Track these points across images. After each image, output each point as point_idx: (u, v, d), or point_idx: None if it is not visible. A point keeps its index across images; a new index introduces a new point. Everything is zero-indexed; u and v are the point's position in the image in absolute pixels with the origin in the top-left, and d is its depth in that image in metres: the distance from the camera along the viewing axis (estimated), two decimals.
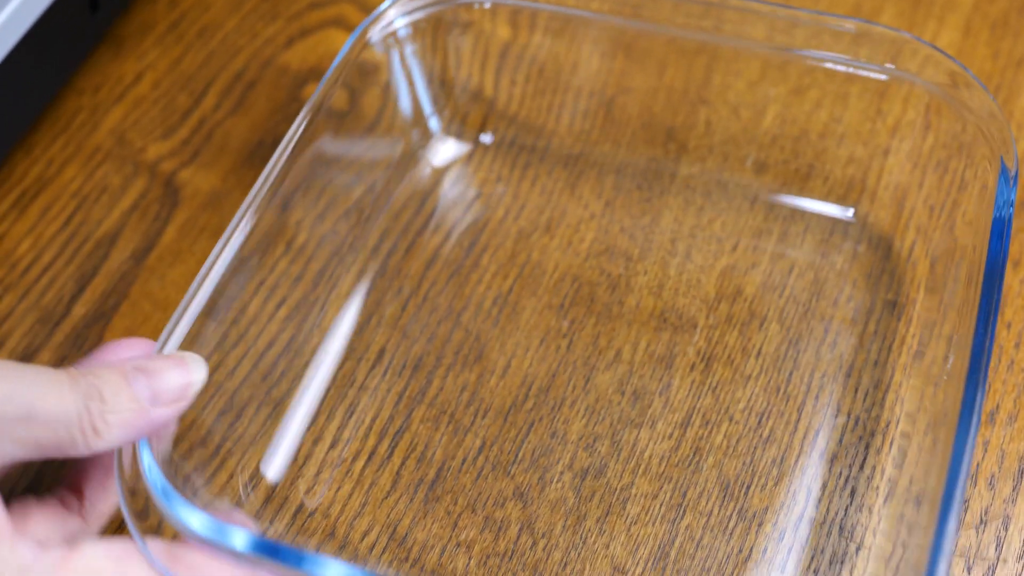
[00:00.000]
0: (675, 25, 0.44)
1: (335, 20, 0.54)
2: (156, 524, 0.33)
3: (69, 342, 0.44)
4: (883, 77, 0.43)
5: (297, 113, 0.45)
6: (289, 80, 0.52)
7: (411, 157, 0.47)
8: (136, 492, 0.33)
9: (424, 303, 0.44)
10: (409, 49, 0.46)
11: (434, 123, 0.48)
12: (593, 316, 0.43)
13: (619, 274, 0.44)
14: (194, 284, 0.37)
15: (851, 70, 0.44)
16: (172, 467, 0.35)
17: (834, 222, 0.45)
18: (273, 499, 0.39)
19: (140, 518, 0.33)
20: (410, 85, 0.47)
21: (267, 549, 0.32)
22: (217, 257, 0.38)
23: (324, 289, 0.44)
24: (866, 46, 0.43)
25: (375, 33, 0.44)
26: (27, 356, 0.44)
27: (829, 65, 0.44)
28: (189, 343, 0.37)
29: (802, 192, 0.46)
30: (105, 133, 0.50)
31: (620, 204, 0.46)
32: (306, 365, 0.42)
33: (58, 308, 0.45)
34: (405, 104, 0.47)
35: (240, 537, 0.32)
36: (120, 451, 0.34)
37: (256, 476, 0.40)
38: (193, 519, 0.32)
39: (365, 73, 0.45)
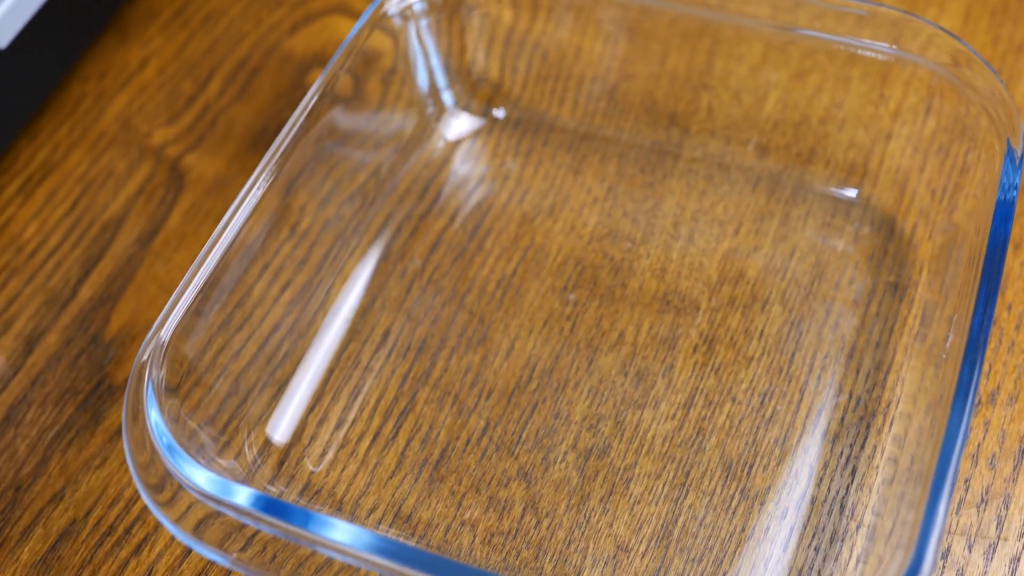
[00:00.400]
0: (680, 1, 0.44)
1: (339, 7, 0.54)
2: (162, 483, 0.34)
3: (75, 324, 0.44)
4: (885, 57, 0.43)
5: (301, 99, 0.45)
6: (293, 67, 0.52)
7: (424, 131, 0.48)
8: (145, 452, 0.34)
9: (428, 285, 0.44)
10: (424, 23, 0.46)
11: (448, 97, 0.48)
12: (596, 299, 0.43)
13: (622, 257, 0.44)
14: (193, 266, 0.38)
15: (853, 50, 0.44)
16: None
17: (836, 205, 0.45)
18: (279, 478, 0.40)
19: (147, 474, 0.34)
20: (425, 58, 0.47)
21: (271, 507, 0.33)
22: (217, 239, 0.38)
23: (328, 272, 0.44)
24: (869, 27, 0.43)
25: (391, 7, 0.44)
26: (34, 338, 0.44)
27: (831, 41, 0.44)
28: (191, 323, 0.37)
29: (804, 176, 0.46)
30: (110, 119, 0.51)
31: (623, 188, 0.46)
32: (310, 347, 0.43)
33: (64, 291, 0.45)
34: (421, 77, 0.47)
35: (244, 494, 0.33)
36: (126, 412, 0.35)
37: (262, 455, 0.40)
38: (198, 476, 0.33)
39: (370, 59, 0.45)
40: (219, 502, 0.34)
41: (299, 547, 0.35)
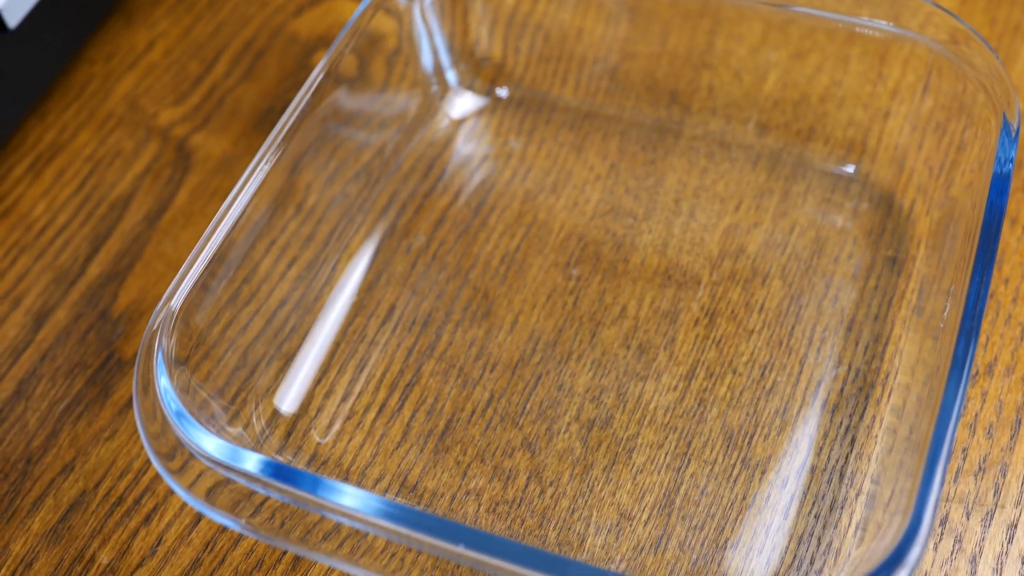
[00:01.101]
0: None
1: None
2: (173, 452, 0.34)
3: (84, 301, 0.45)
4: (883, 35, 0.44)
5: (306, 80, 0.46)
6: (298, 48, 0.53)
7: (428, 110, 0.48)
8: (156, 422, 0.34)
9: (433, 261, 0.45)
10: (428, 3, 0.47)
11: (452, 76, 0.49)
12: (599, 274, 0.44)
13: (624, 233, 0.45)
14: (200, 242, 0.38)
15: (852, 28, 0.44)
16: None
17: (835, 182, 0.46)
18: (286, 448, 0.40)
19: (158, 443, 0.34)
20: (430, 38, 0.48)
21: (280, 472, 0.33)
22: (223, 216, 0.39)
23: (334, 249, 0.45)
24: (868, 5, 0.43)
25: None
26: (43, 315, 0.45)
27: (831, 19, 0.44)
28: (199, 298, 0.38)
29: (804, 153, 0.47)
30: (118, 100, 0.51)
31: (625, 166, 0.47)
32: (317, 321, 0.43)
33: (73, 268, 0.46)
34: (425, 57, 0.48)
35: (253, 460, 0.33)
36: (137, 382, 0.35)
37: (269, 427, 0.41)
38: (208, 442, 0.34)
39: (374, 40, 0.46)
40: (229, 468, 0.34)
41: (307, 513, 0.35)
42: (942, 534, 0.38)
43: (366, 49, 0.45)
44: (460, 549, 0.32)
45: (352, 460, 0.40)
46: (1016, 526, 0.38)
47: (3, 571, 0.39)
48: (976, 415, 0.40)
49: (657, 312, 0.43)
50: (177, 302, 0.37)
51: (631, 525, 0.38)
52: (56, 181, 0.48)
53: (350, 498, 0.33)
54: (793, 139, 0.47)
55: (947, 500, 0.39)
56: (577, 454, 0.40)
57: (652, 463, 0.40)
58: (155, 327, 0.36)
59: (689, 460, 0.40)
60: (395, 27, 0.47)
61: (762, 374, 0.41)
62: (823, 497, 0.39)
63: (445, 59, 0.49)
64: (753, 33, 0.48)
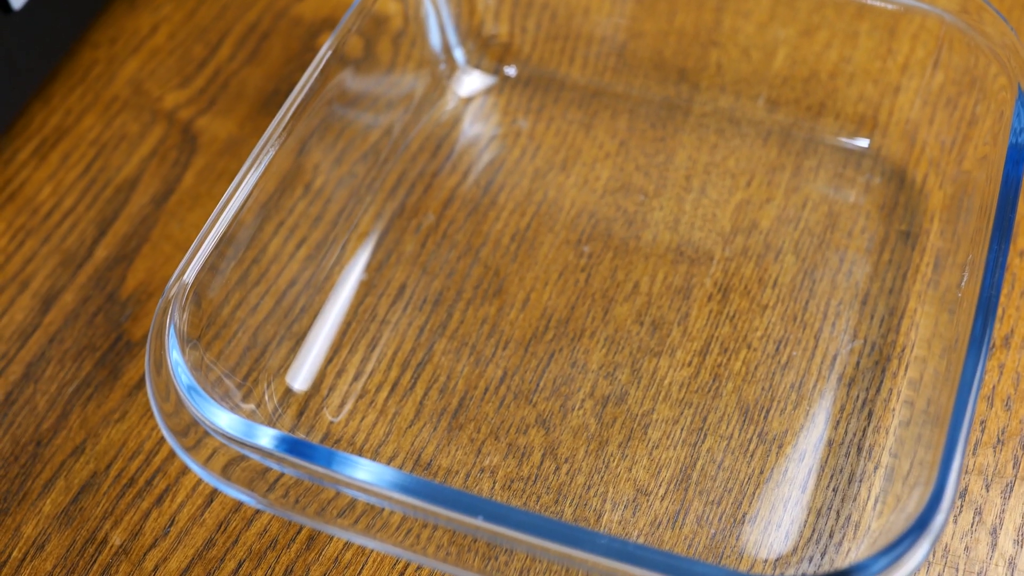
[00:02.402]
0: None
1: None
2: (186, 430, 0.34)
3: (92, 283, 0.45)
4: (894, 7, 0.44)
5: (311, 62, 0.45)
6: (303, 30, 0.52)
7: (436, 89, 0.48)
8: (169, 402, 0.34)
9: (443, 240, 0.44)
10: None
11: (459, 55, 0.49)
12: (610, 250, 0.44)
13: (635, 210, 0.45)
14: (207, 223, 0.38)
15: (862, 1, 0.44)
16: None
17: (847, 157, 0.46)
18: (299, 427, 0.40)
19: (172, 421, 0.34)
20: (437, 16, 0.47)
21: (294, 447, 0.33)
22: (231, 197, 0.39)
23: (343, 229, 0.44)
24: None
25: None
26: (51, 297, 0.44)
27: None
28: (208, 279, 0.38)
29: (814, 129, 0.46)
30: (122, 83, 0.51)
31: (635, 143, 0.47)
32: (327, 301, 0.43)
33: (80, 251, 0.46)
34: (433, 36, 0.48)
35: (267, 435, 0.33)
36: (149, 359, 0.35)
37: (282, 406, 0.40)
38: (221, 418, 0.33)
39: (380, 21, 0.46)
40: (243, 444, 0.34)
41: (322, 490, 0.35)
42: (962, 506, 0.38)
43: (372, 29, 0.45)
44: (479, 522, 0.32)
45: (365, 438, 0.40)
46: None
47: (15, 553, 0.39)
48: (993, 387, 0.40)
49: (670, 288, 0.43)
50: (188, 279, 0.37)
51: (648, 500, 0.38)
52: (62, 164, 0.48)
53: (365, 472, 0.33)
54: (804, 115, 0.47)
55: (966, 472, 0.38)
56: (592, 430, 0.40)
57: (668, 438, 0.39)
58: (167, 300, 0.36)
59: (705, 435, 0.39)
60: (401, 7, 0.46)
61: (777, 349, 0.41)
62: (841, 470, 0.38)
63: (452, 38, 0.48)
64: (761, 10, 0.48)
